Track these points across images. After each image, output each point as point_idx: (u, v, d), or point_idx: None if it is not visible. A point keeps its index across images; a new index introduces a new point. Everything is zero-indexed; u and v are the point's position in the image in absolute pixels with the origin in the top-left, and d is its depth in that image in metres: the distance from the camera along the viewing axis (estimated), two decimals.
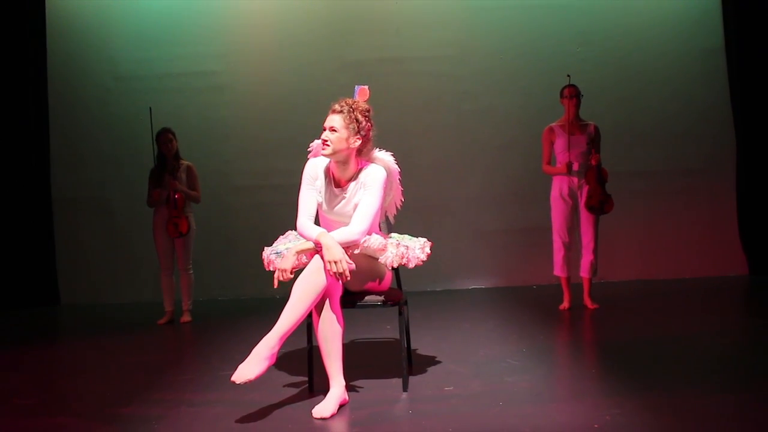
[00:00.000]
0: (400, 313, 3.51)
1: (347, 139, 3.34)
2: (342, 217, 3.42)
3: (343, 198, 3.42)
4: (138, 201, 6.53)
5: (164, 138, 5.90)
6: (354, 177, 3.41)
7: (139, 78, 7.39)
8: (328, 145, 3.32)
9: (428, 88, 7.32)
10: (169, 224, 5.86)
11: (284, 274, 3.21)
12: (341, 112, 3.34)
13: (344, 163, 3.39)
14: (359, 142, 3.37)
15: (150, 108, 6.15)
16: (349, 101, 3.39)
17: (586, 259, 5.68)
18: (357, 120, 3.35)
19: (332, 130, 3.32)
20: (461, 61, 7.32)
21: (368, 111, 3.41)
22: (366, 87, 3.50)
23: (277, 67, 7.41)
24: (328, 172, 3.46)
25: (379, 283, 3.47)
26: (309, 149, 3.63)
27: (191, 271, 6.03)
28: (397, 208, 3.70)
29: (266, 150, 7.33)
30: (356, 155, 3.41)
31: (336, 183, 3.44)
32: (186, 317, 5.97)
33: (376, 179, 3.37)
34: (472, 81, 7.31)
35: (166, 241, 5.95)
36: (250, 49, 7.42)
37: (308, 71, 7.32)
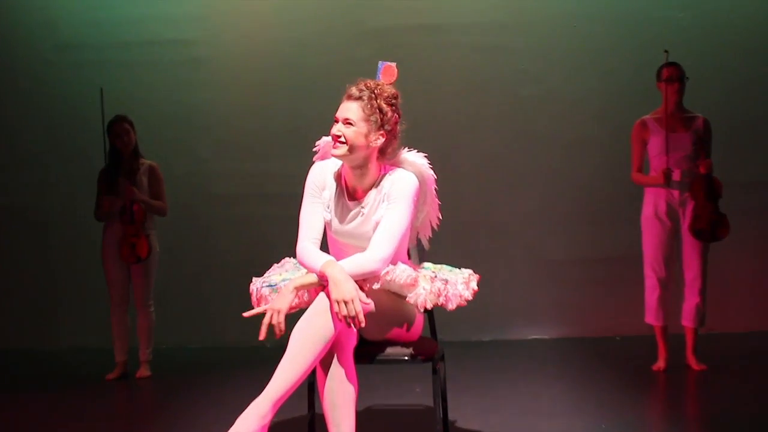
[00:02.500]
0: (435, 372, 3.50)
1: (367, 136, 3.33)
2: (357, 239, 3.41)
3: (360, 214, 3.41)
4: (82, 212, 6.55)
5: (119, 129, 5.93)
6: (374, 186, 3.41)
7: (87, 47, 7.44)
8: (341, 143, 3.32)
9: (474, 67, 7.31)
10: (124, 245, 5.88)
11: (277, 317, 3.19)
12: (360, 98, 3.34)
13: (362, 167, 3.38)
14: (382, 139, 3.36)
15: (101, 89, 6.17)
16: (371, 84, 3.38)
17: (690, 302, 5.63)
18: (381, 110, 3.34)
19: (347, 122, 3.32)
20: (518, 30, 7.30)
21: (396, 97, 3.40)
22: (393, 64, 3.50)
23: (272, 35, 7.43)
24: (339, 179, 3.46)
25: (407, 330, 3.45)
26: (315, 148, 3.62)
27: (152, 309, 6.03)
28: (432, 228, 3.68)
29: (256, 148, 7.35)
30: (378, 157, 3.40)
31: (350, 194, 3.44)
32: (144, 371, 5.96)
33: (405, 189, 3.36)
34: (533, 57, 7.29)
35: (119, 268, 5.95)
36: (238, 11, 7.46)
37: (314, 42, 7.34)
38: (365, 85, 3.36)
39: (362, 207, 3.41)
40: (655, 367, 5.64)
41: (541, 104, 7.28)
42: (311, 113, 6.83)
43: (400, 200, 3.35)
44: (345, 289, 3.13)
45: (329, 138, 3.46)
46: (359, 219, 3.42)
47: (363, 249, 3.36)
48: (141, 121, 6.24)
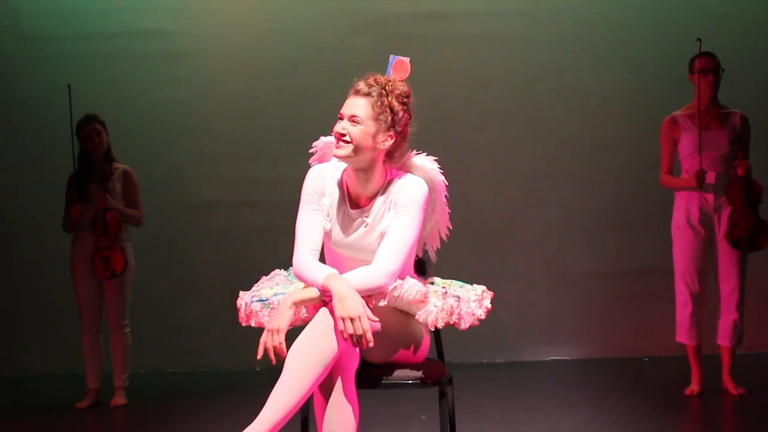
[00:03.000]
0: (443, 396, 3.49)
1: (375, 136, 3.33)
2: (359, 252, 3.42)
3: (364, 224, 3.42)
4: (49, 222, 6.57)
5: (89, 130, 5.95)
6: (380, 193, 3.42)
7: (52, 39, 7.45)
8: (346, 142, 3.33)
9: (487, 60, 7.33)
10: (97, 259, 5.90)
11: (277, 337, 3.19)
12: (369, 95, 3.34)
13: (366, 171, 3.39)
14: (390, 141, 3.36)
15: (69, 85, 6.20)
16: (381, 79, 3.38)
17: (727, 319, 5.64)
18: (391, 108, 3.34)
19: (354, 120, 3.32)
20: (536, 19, 7.33)
21: (408, 96, 3.41)
22: (406, 59, 3.51)
23: (260, 25, 7.45)
24: (341, 185, 3.47)
25: (414, 351, 3.45)
26: (312, 149, 3.63)
27: (127, 330, 6.04)
28: (442, 238, 3.69)
29: (242, 151, 7.36)
30: (385, 161, 3.42)
31: (353, 202, 3.45)
32: (119, 398, 5.95)
33: (413, 197, 3.36)
34: (552, 48, 7.32)
35: (90, 284, 5.97)
36: None
37: (307, 33, 7.35)
38: (375, 80, 3.36)
39: (366, 216, 3.41)
40: (688, 392, 5.65)
41: (561, 100, 7.30)
42: (304, 112, 6.88)
43: (409, 209, 3.34)
44: (351, 305, 3.13)
45: (328, 138, 3.47)
46: (362, 229, 3.41)
47: (364, 262, 3.36)
48: (113, 122, 6.26)
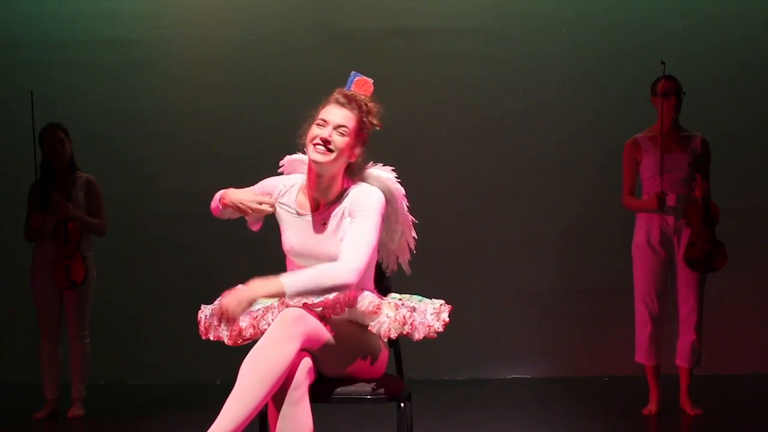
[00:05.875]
0: (401, 413, 3.49)
1: (352, 149, 3.45)
2: (318, 260, 3.43)
3: (323, 225, 3.47)
4: (8, 230, 6.53)
5: (52, 138, 5.94)
6: (338, 201, 3.48)
7: (15, 46, 7.41)
8: (329, 150, 3.39)
9: (452, 77, 7.36)
10: (58, 268, 5.87)
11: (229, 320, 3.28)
12: (355, 110, 3.45)
13: (330, 179, 3.47)
14: (357, 155, 3.48)
15: (31, 92, 6.17)
16: (361, 97, 3.48)
17: (685, 340, 5.68)
18: (369, 126, 3.48)
19: (341, 131, 3.41)
20: (502, 37, 7.37)
21: (374, 124, 3.52)
22: (370, 81, 3.56)
23: (230, 36, 7.45)
24: (299, 191, 3.55)
25: (371, 363, 3.46)
26: (280, 169, 3.68)
27: (87, 341, 6.02)
28: (411, 250, 3.73)
29: (208, 162, 7.32)
30: (345, 171, 3.49)
31: (311, 207, 3.51)
32: (76, 409, 5.94)
33: (369, 203, 3.42)
34: (518, 67, 7.36)
35: (50, 294, 5.94)
36: (190, 8, 7.47)
37: (276, 45, 7.37)
38: (356, 98, 3.46)
39: (324, 223, 3.47)
40: (645, 411, 5.68)
41: (526, 119, 7.33)
42: (270, 124, 6.90)
43: (366, 213, 3.38)
44: (239, 295, 3.24)
45: (294, 156, 3.58)
46: (321, 235, 3.47)
47: None
48: (78, 130, 6.26)
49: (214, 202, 3.65)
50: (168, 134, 7.41)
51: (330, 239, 3.44)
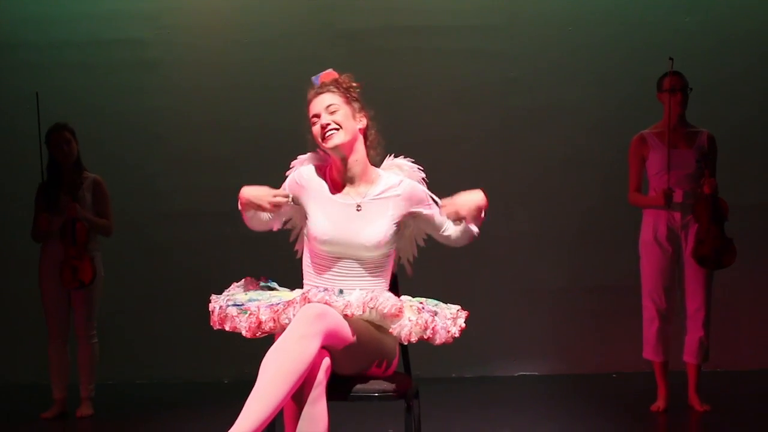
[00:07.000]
0: (409, 410, 3.49)
1: (354, 116, 3.54)
2: (349, 247, 3.48)
3: (357, 208, 3.53)
4: (16, 231, 6.55)
5: (59, 139, 5.95)
6: (371, 182, 3.57)
7: (21, 47, 7.42)
8: (335, 130, 3.47)
9: (457, 75, 7.36)
10: (65, 269, 5.88)
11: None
12: (330, 90, 3.54)
13: (354, 161, 3.54)
14: (365, 120, 3.57)
15: (37, 94, 6.19)
16: (327, 81, 3.58)
17: (693, 336, 5.69)
18: (353, 91, 3.57)
19: (331, 110, 3.50)
20: (507, 34, 7.37)
21: (356, 87, 3.61)
22: (329, 70, 3.65)
23: (235, 37, 7.45)
24: (324, 177, 3.61)
25: (387, 366, 3.48)
26: (291, 168, 3.69)
27: (95, 340, 6.03)
28: (418, 244, 3.79)
29: (214, 161, 7.34)
30: (367, 152, 3.59)
31: (338, 190, 3.57)
32: (85, 409, 5.95)
33: (421, 189, 3.71)
34: (524, 64, 7.36)
35: (58, 294, 5.95)
36: (195, 9, 7.48)
37: (282, 44, 7.37)
38: (326, 81, 3.58)
39: (358, 204, 3.52)
40: (654, 408, 5.68)
41: (532, 117, 7.33)
42: (276, 123, 6.89)
43: (427, 200, 3.72)
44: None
45: (305, 155, 3.63)
46: (355, 217, 3.51)
47: (360, 259, 3.48)
48: (84, 131, 6.26)
49: (240, 206, 3.66)
50: (173, 133, 7.41)
51: (368, 225, 3.50)
